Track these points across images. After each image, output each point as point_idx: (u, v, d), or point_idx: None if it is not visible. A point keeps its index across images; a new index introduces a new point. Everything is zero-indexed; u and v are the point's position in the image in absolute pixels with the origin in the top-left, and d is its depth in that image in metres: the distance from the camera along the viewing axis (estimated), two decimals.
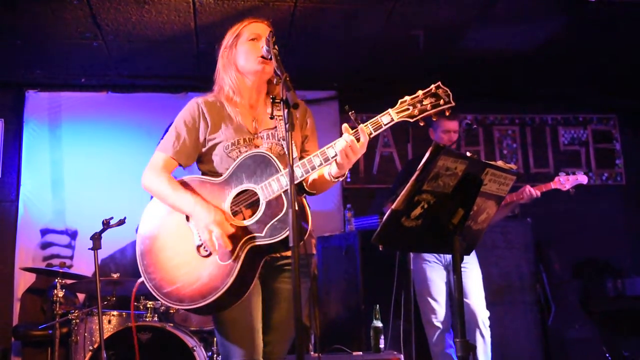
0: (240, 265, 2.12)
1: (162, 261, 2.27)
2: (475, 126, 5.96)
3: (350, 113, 2.14)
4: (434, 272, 4.07)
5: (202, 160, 2.41)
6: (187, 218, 2.26)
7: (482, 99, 5.92)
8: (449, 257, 4.08)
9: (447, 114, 2.17)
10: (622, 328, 5.39)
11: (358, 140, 2.11)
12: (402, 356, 3.87)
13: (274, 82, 2.34)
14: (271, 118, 2.27)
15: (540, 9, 4.46)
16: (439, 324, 4.02)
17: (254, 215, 2.18)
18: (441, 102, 2.14)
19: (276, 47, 2.19)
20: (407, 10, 4.41)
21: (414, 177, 1.88)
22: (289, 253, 2.02)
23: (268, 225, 2.13)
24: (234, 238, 2.16)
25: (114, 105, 5.54)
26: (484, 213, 2.15)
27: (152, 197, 2.39)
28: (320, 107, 5.71)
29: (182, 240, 2.25)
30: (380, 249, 2.07)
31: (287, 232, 2.05)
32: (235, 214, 2.21)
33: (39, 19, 4.37)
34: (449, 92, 2.17)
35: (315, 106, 5.66)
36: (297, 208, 2.04)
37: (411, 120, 2.14)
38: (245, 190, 2.22)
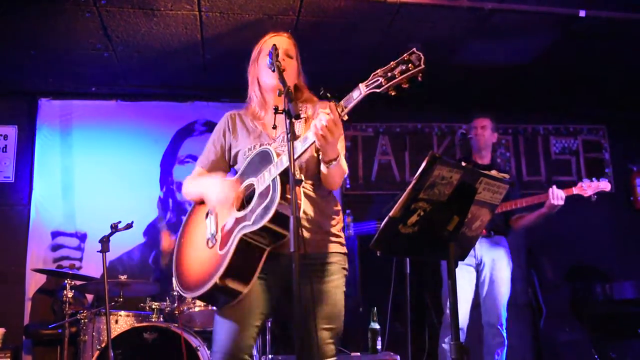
0: (232, 254, 2.14)
1: (183, 254, 2.43)
2: (470, 136, 6.06)
3: (321, 92, 2.03)
4: (461, 274, 4.06)
5: (234, 167, 2.53)
6: (206, 216, 2.38)
7: (477, 110, 5.99)
8: (480, 256, 4.15)
9: (420, 79, 1.97)
10: (611, 331, 5.40)
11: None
12: (398, 357, 3.94)
13: (277, 94, 2.23)
14: (273, 128, 2.28)
15: (533, 23, 4.53)
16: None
17: (249, 206, 2.21)
18: (410, 66, 1.94)
19: (286, 59, 2.26)
20: (405, 24, 4.47)
21: (410, 186, 1.92)
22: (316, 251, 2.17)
23: (255, 213, 2.14)
24: (231, 229, 2.22)
25: (123, 113, 5.59)
26: (478, 220, 2.17)
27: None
28: None
29: (200, 234, 2.38)
30: (378, 254, 2.09)
31: (265, 219, 2.07)
32: (240, 208, 2.26)
33: (52, 31, 4.43)
34: (421, 55, 1.96)
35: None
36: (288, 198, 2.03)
37: (379, 90, 1.98)
38: (250, 185, 2.28)
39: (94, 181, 5.42)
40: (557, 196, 3.94)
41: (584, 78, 5.56)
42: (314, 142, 2.08)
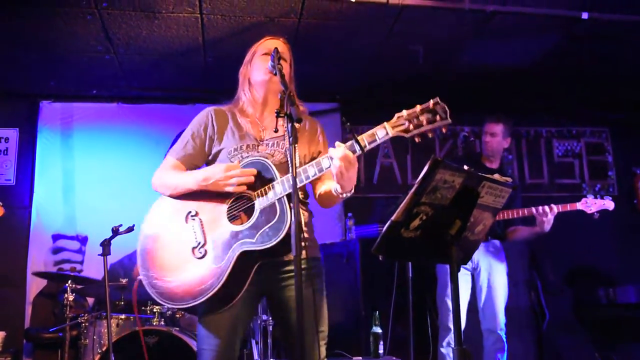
0: (231, 269, 2.14)
1: (159, 260, 2.28)
2: (472, 138, 6.05)
3: (346, 125, 2.25)
4: (458, 276, 4.11)
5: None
6: (186, 219, 2.28)
7: (479, 112, 5.93)
8: (476, 260, 4.15)
9: (444, 130, 2.14)
10: (614, 335, 5.38)
11: (353, 152, 2.12)
12: None
13: (279, 96, 2.21)
14: (275, 132, 2.22)
15: (535, 25, 4.53)
16: (452, 327, 4.12)
17: (249, 221, 2.20)
18: (437, 117, 2.05)
19: (281, 62, 2.26)
20: (406, 27, 4.48)
21: (413, 190, 1.90)
22: (290, 258, 1.97)
23: (260, 232, 2.15)
24: (226, 242, 2.19)
25: (124, 116, 5.60)
26: (481, 224, 2.16)
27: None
28: (322, 118, 5.71)
29: (180, 241, 2.26)
30: (381, 259, 2.07)
31: (275, 241, 2.11)
32: (232, 218, 2.24)
33: (54, 34, 4.45)
34: (446, 108, 2.06)
35: (317, 117, 5.70)
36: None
37: (406, 135, 2.08)
38: (243, 196, 2.26)
39: (95, 184, 5.41)
40: (544, 212, 3.92)
41: (587, 80, 5.56)
42: (326, 170, 2.17)
